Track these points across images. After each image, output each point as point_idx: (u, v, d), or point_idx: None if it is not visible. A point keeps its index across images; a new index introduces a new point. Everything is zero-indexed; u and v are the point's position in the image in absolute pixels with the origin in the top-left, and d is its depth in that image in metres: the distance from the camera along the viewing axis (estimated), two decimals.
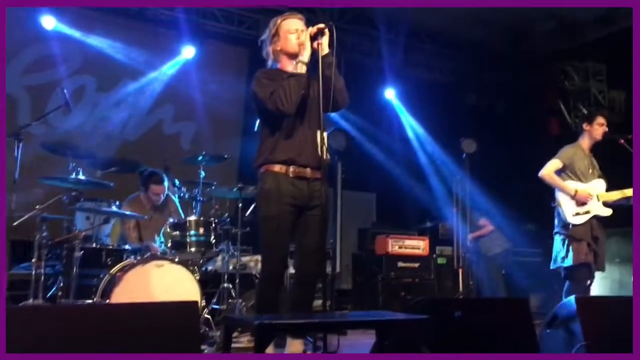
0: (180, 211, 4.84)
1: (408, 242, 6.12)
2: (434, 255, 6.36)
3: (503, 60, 8.34)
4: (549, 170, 4.30)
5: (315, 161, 2.98)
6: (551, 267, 4.32)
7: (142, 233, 4.61)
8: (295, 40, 3.01)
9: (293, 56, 3.04)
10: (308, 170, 2.99)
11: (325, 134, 2.94)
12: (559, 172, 4.32)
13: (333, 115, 3.04)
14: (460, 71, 8.41)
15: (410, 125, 8.31)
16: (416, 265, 6.05)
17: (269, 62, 3.17)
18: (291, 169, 2.96)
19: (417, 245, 6.15)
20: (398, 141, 8.22)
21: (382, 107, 8.14)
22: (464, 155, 6.03)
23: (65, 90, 4.21)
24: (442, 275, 6.31)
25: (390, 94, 8.12)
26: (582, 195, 4.15)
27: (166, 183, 4.77)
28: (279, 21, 3.10)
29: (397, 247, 6.03)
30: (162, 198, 4.79)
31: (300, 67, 2.93)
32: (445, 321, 2.38)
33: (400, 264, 5.98)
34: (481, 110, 8.43)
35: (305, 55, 2.91)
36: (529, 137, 8.05)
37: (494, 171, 7.09)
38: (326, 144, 2.93)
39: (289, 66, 3.06)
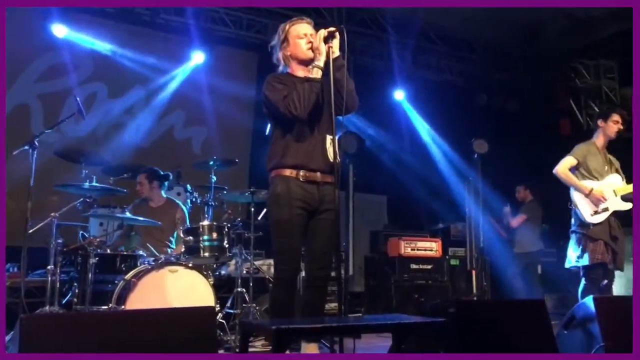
0: (187, 220, 4.78)
1: (420, 244, 6.09)
2: (447, 257, 6.33)
3: (513, 60, 8.30)
4: (563, 168, 4.27)
5: (326, 165, 2.98)
6: (566, 266, 4.28)
7: (144, 239, 4.60)
8: (305, 45, 3.01)
9: (303, 61, 3.04)
10: (318, 174, 2.99)
11: (336, 138, 2.94)
12: (573, 170, 4.28)
13: (343, 118, 3.02)
14: (470, 72, 8.38)
15: (421, 126, 8.28)
16: (429, 267, 6.02)
17: (280, 68, 3.17)
18: (301, 173, 2.96)
19: (430, 247, 6.13)
20: (408, 143, 8.20)
21: (392, 109, 8.12)
22: (476, 156, 6.00)
23: (77, 98, 4.25)
24: (455, 276, 6.28)
25: (400, 95, 8.10)
26: (596, 196, 4.12)
27: (139, 178, 4.73)
28: (287, 27, 3.10)
29: (409, 248, 6.01)
30: (144, 191, 4.72)
31: (315, 72, 2.92)
32: (464, 323, 2.37)
33: (413, 266, 5.96)
34: (492, 111, 8.39)
35: (321, 60, 2.91)
36: (540, 137, 8.00)
37: (505, 172, 7.05)
38: (337, 148, 2.92)
39: (299, 71, 3.06)
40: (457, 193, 7.19)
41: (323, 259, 3.05)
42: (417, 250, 6.05)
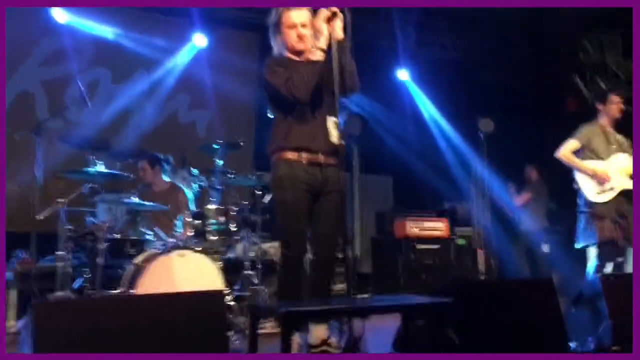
0: (190, 204, 4.81)
1: (427, 224, 6.10)
2: (454, 237, 6.34)
3: (518, 37, 8.19)
4: (566, 151, 4.25)
5: (328, 147, 2.97)
6: (576, 247, 4.29)
7: (151, 223, 4.63)
8: (295, 37, 2.98)
9: (294, 52, 3.01)
10: (321, 156, 2.98)
11: (339, 119, 2.93)
12: (578, 152, 4.25)
13: (346, 99, 3.02)
14: (474, 49, 8.27)
15: (425, 106, 8.22)
16: (436, 246, 6.04)
17: (275, 50, 3.13)
18: (304, 155, 2.95)
19: (437, 227, 6.13)
20: (413, 123, 8.15)
21: (396, 88, 8.06)
22: (482, 135, 5.96)
23: (80, 84, 4.24)
24: (462, 256, 6.29)
25: (403, 75, 8.03)
26: (601, 176, 4.10)
27: (141, 164, 4.89)
28: (281, 11, 3.04)
29: (416, 229, 6.02)
30: (147, 177, 4.87)
31: (317, 54, 2.90)
32: (470, 303, 2.38)
33: (420, 246, 5.98)
34: (497, 89, 8.31)
35: (322, 41, 2.88)
36: (547, 115, 7.94)
37: (511, 150, 7.01)
38: (340, 129, 2.92)
39: (294, 56, 3.03)
40: (462, 172, 7.17)
41: (328, 241, 3.06)
42: (424, 230, 6.06)
